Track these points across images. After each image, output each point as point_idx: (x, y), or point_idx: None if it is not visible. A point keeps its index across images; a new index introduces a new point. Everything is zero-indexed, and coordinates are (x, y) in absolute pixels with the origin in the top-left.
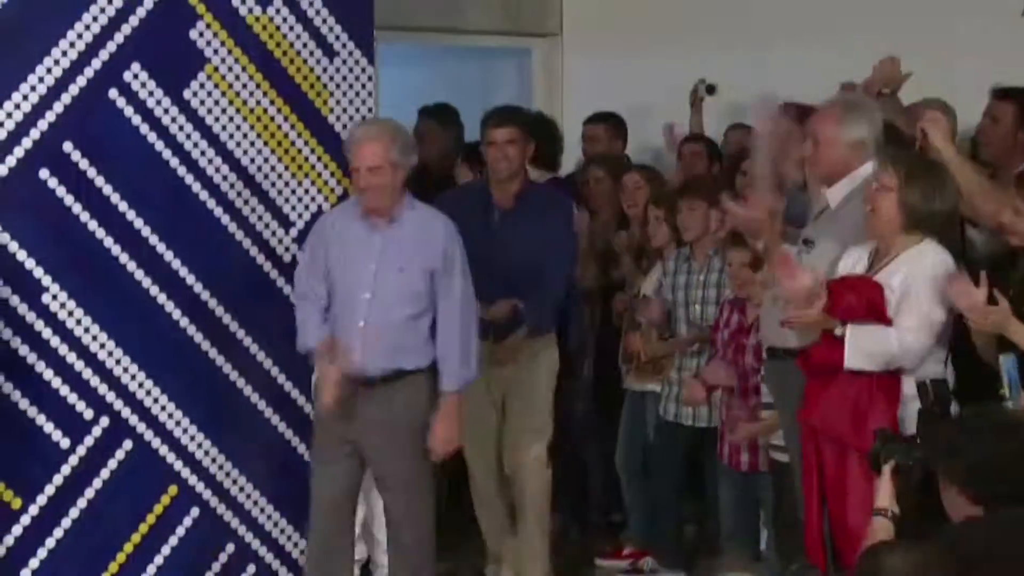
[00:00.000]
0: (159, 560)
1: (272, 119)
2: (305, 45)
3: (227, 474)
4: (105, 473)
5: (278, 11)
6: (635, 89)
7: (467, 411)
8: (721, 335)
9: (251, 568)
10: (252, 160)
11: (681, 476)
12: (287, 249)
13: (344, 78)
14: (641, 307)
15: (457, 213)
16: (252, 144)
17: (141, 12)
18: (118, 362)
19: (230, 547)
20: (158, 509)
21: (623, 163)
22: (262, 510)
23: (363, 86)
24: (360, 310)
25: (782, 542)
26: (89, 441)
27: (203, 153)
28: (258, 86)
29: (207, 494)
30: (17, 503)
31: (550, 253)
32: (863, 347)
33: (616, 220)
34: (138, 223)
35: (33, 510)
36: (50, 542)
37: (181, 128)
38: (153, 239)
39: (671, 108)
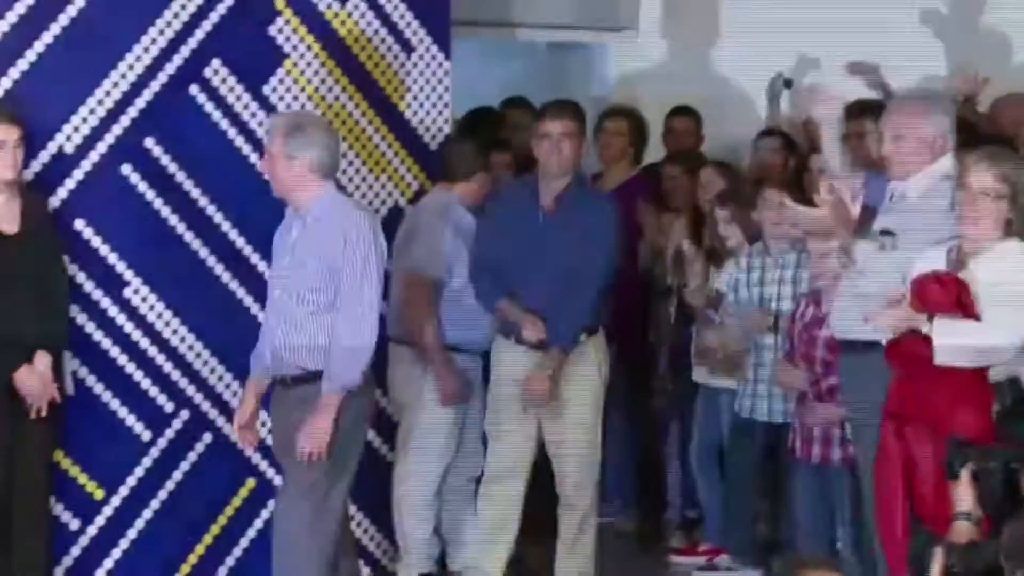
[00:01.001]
0: (237, 552)
1: (349, 115)
2: (383, 40)
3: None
4: (185, 465)
5: (356, 7)
6: (712, 83)
7: (500, 415)
8: (796, 327)
9: None
10: None
11: (757, 473)
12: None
13: (421, 73)
14: (747, 320)
15: (505, 212)
16: None
17: (221, 8)
18: (198, 356)
19: None
20: (236, 502)
21: (700, 158)
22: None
23: (439, 81)
24: (273, 309)
25: (857, 539)
26: (170, 434)
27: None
28: (336, 82)
29: None
30: (100, 494)
31: (582, 262)
32: (953, 342)
33: (694, 216)
34: (218, 218)
35: (115, 501)
36: (131, 533)
37: (261, 124)
38: (233, 234)
39: (747, 101)
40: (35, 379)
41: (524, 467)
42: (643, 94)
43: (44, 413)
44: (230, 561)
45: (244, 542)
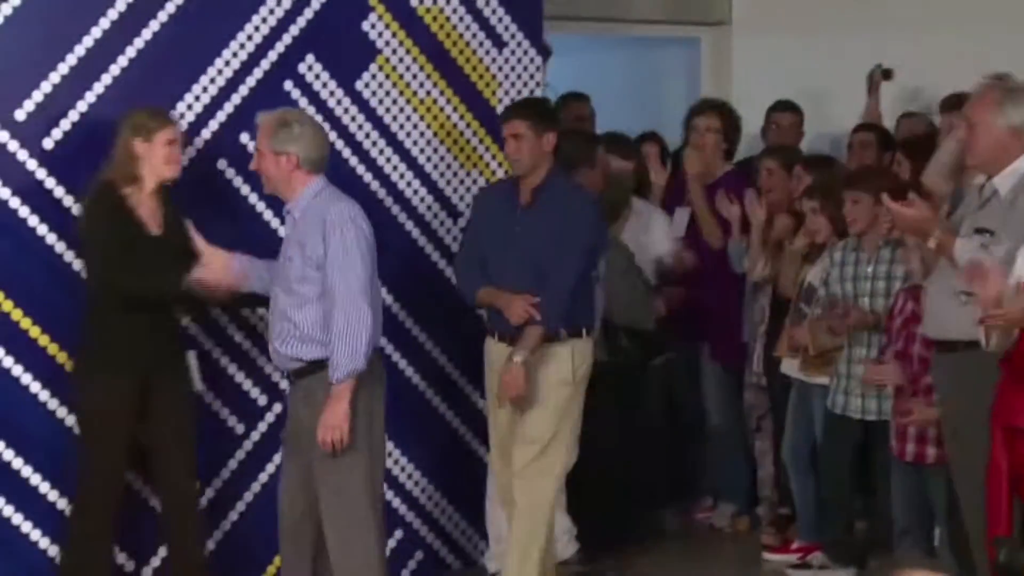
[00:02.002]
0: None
1: (441, 109)
2: (475, 36)
3: (395, 461)
4: (278, 458)
5: (448, 2)
6: (806, 76)
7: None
8: (895, 323)
9: (419, 554)
10: (422, 150)
11: (851, 470)
12: (455, 239)
13: (513, 68)
14: (839, 314)
15: (487, 207)
16: (422, 134)
17: (315, 5)
18: None
19: (398, 533)
20: None
21: (796, 153)
22: (430, 497)
23: (531, 76)
24: (273, 304)
25: (955, 539)
26: (263, 427)
27: (374, 143)
28: (428, 77)
29: None
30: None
31: (557, 252)
32: None
33: (791, 211)
34: None
35: (209, 493)
36: (225, 525)
37: (353, 119)
38: None
39: (844, 94)
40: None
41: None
42: (735, 89)
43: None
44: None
45: None
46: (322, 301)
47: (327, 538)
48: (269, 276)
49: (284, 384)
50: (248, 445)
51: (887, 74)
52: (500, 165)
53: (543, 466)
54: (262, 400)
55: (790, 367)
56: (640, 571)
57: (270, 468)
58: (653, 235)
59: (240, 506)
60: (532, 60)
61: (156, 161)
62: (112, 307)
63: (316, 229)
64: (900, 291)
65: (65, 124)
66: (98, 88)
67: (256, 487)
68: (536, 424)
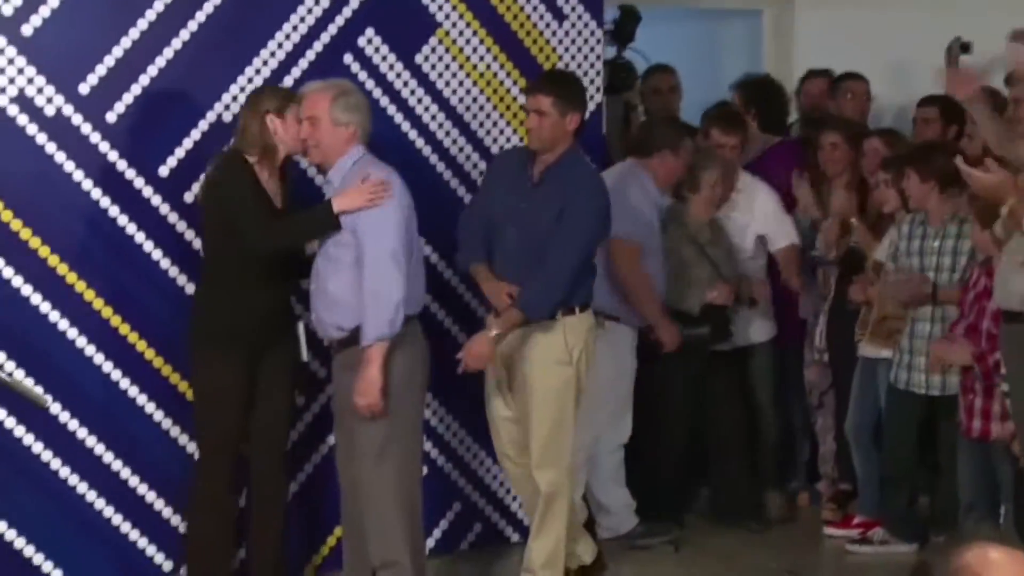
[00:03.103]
0: None
1: (501, 83)
2: (535, 8)
3: (454, 434)
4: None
5: None
6: (869, 49)
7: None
8: (968, 297)
9: (477, 527)
10: (481, 124)
11: (914, 446)
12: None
13: (573, 41)
14: (906, 282)
15: (500, 176)
16: (481, 107)
17: None
18: None
19: (457, 506)
20: None
21: (860, 127)
22: (488, 470)
23: (591, 49)
24: (314, 271)
25: (1021, 516)
26: (323, 399)
27: (434, 117)
28: (488, 50)
29: (435, 453)
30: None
31: (558, 237)
32: None
33: (854, 186)
34: None
35: None
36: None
37: (413, 92)
38: None
39: (907, 68)
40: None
41: (516, 442)
42: (797, 62)
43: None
44: None
45: None
46: (357, 266)
47: (362, 506)
48: None
49: None
50: (308, 418)
51: (965, 47)
52: None
53: (556, 450)
54: (321, 373)
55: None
56: (697, 544)
57: (330, 440)
58: (756, 212)
59: (301, 477)
60: (592, 33)
61: (290, 137)
62: (227, 281)
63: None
64: (975, 265)
65: (128, 98)
66: (160, 62)
67: (316, 459)
68: (538, 408)
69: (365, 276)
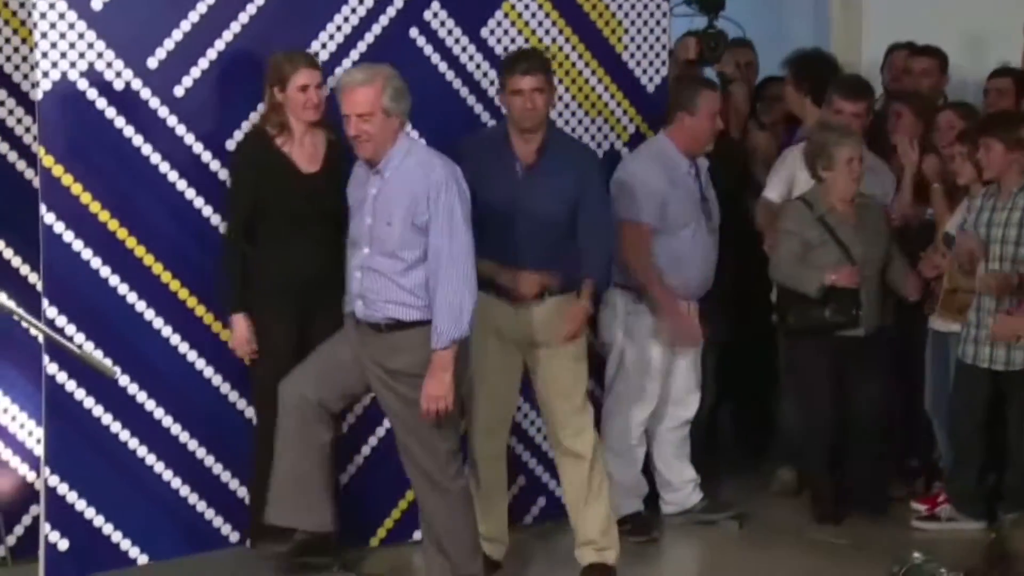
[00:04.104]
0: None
1: (567, 57)
2: None
3: (518, 408)
4: None
5: None
6: (943, 19)
7: (485, 368)
8: None
9: (541, 500)
10: None
11: (981, 422)
12: None
13: (639, 15)
14: (959, 239)
15: (478, 164)
16: None
17: None
18: None
19: (521, 479)
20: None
21: (930, 101)
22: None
23: (658, 22)
24: (359, 263)
25: None
26: None
27: (499, 91)
28: (554, 24)
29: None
30: None
31: (595, 207)
32: None
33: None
34: None
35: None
36: (351, 468)
37: (478, 66)
38: None
39: (985, 39)
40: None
41: (507, 422)
42: (865, 34)
43: None
44: None
45: None
46: (424, 264)
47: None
48: None
49: None
50: (366, 399)
51: None
52: (625, 113)
53: (587, 414)
54: None
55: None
56: (761, 519)
57: (387, 422)
58: (888, 190)
59: (365, 450)
60: (659, 7)
61: (295, 107)
62: (271, 240)
63: (419, 191)
64: None
65: (195, 72)
66: (227, 36)
67: (380, 432)
68: (574, 375)
69: (440, 277)
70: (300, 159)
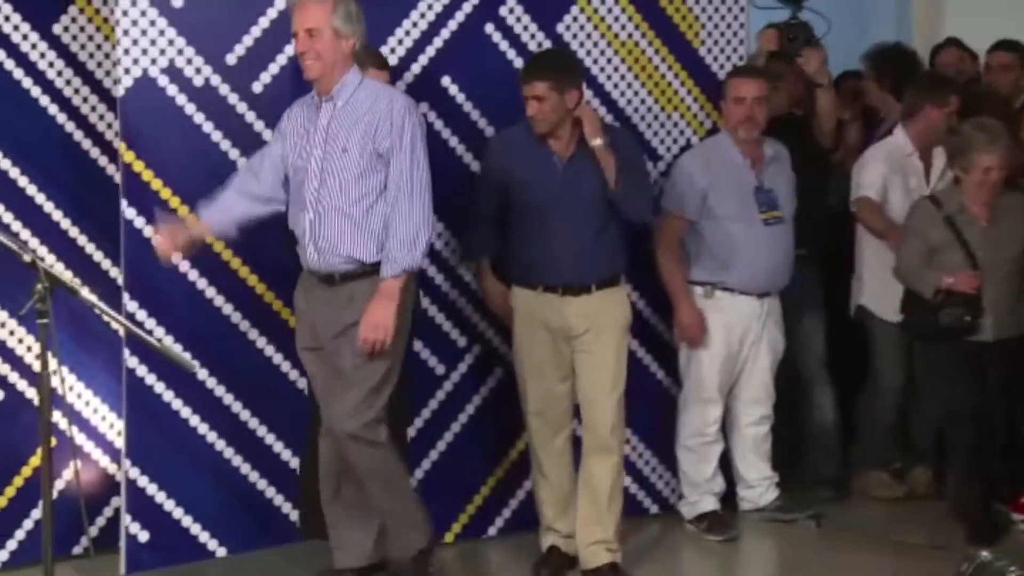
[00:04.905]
0: (528, 485)
1: (643, 52)
2: None
3: None
4: (477, 399)
5: None
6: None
7: (538, 363)
8: None
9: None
10: (622, 93)
11: None
12: (654, 183)
13: (716, 10)
14: None
15: (515, 160)
16: (623, 77)
17: None
18: None
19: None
20: (527, 436)
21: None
22: (626, 440)
23: (735, 17)
24: (309, 201)
25: None
26: (463, 368)
27: None
28: (630, 19)
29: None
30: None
31: (639, 169)
32: None
33: None
34: None
35: (410, 433)
36: (426, 463)
37: None
38: None
39: None
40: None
41: (567, 415)
42: (947, 28)
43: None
44: (520, 494)
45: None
46: (385, 195)
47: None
48: (244, 200)
49: (483, 326)
50: (448, 386)
51: None
52: (702, 108)
53: (622, 412)
54: (461, 341)
55: None
56: (842, 522)
57: (469, 409)
58: None
59: (440, 445)
60: (736, 1)
61: None
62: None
63: (381, 115)
64: None
65: (273, 68)
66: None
67: (456, 428)
68: (612, 374)
69: (399, 204)
70: None
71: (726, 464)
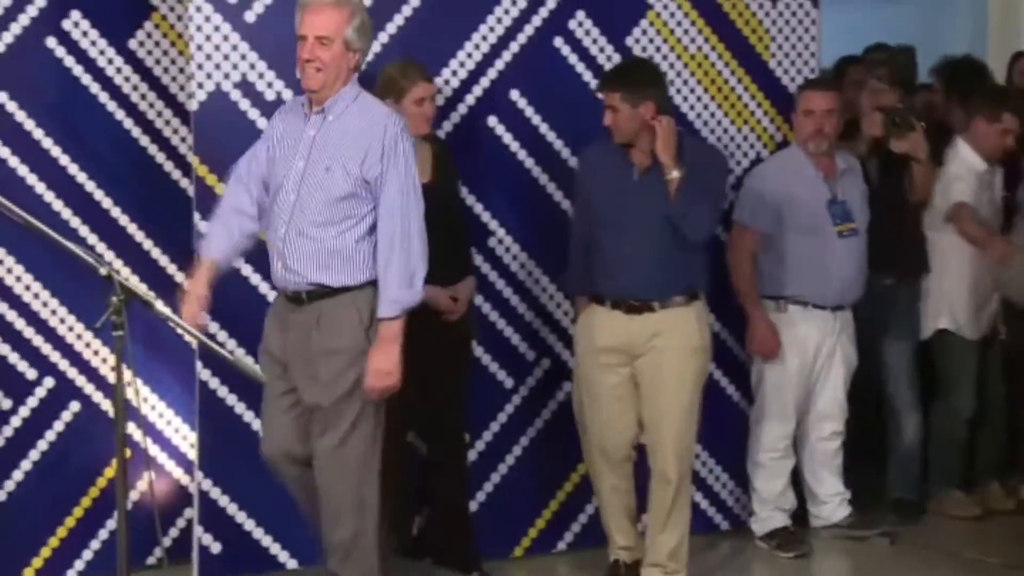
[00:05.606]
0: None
1: (712, 65)
2: None
3: None
4: (546, 413)
5: None
6: None
7: (600, 387)
8: None
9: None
10: (691, 107)
11: None
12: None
13: (787, 22)
14: None
15: (598, 169)
16: (692, 90)
17: None
18: (558, 305)
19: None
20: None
21: None
22: (696, 456)
23: (806, 30)
24: (283, 215)
25: None
26: (531, 382)
27: None
28: (699, 32)
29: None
30: (465, 437)
31: (703, 186)
32: None
33: None
34: (572, 162)
35: (480, 446)
36: (495, 477)
37: None
38: None
39: None
40: (441, 295)
41: (629, 443)
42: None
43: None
44: (589, 509)
45: None
46: (367, 221)
47: (326, 494)
48: (246, 229)
49: (552, 339)
50: (516, 400)
51: None
52: (772, 122)
53: (689, 439)
54: (530, 355)
55: None
56: (916, 539)
57: (538, 423)
58: None
59: (509, 459)
60: (807, 14)
61: (409, 119)
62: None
63: (373, 141)
64: None
65: None
66: (374, 47)
67: (524, 441)
68: (676, 396)
69: (398, 239)
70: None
71: (797, 481)
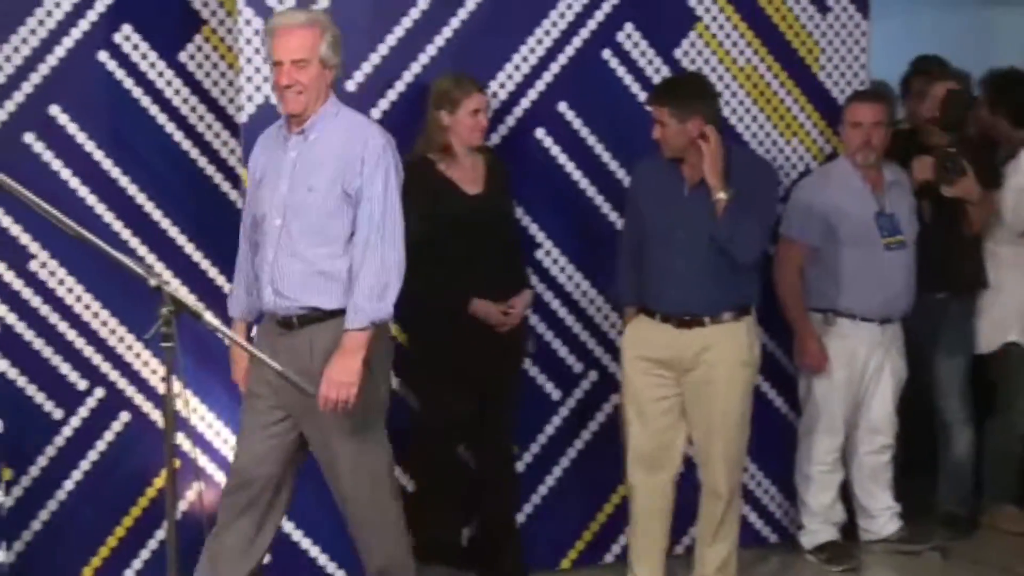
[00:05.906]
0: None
1: (761, 77)
2: (798, 1)
3: None
4: (593, 425)
5: None
6: None
7: (643, 398)
8: None
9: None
10: (740, 119)
11: None
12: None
13: (836, 34)
14: None
15: (649, 183)
16: (741, 103)
17: None
18: (606, 318)
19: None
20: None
21: None
22: (745, 469)
23: (856, 42)
24: (270, 240)
25: None
26: (578, 394)
27: None
28: (748, 44)
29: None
30: (513, 449)
31: (751, 206)
32: None
33: None
34: (620, 174)
35: (527, 458)
36: (542, 489)
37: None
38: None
39: None
40: (492, 308)
41: (674, 457)
42: None
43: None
44: None
45: None
46: (347, 240)
47: (352, 522)
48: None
49: (599, 351)
50: (564, 412)
51: None
52: (821, 134)
53: (739, 453)
54: (578, 367)
55: None
56: (968, 555)
57: (585, 435)
58: None
59: (556, 471)
60: (857, 25)
61: (462, 131)
62: (441, 275)
63: (352, 154)
64: None
65: (392, 94)
66: (423, 59)
67: (572, 453)
68: (726, 411)
69: (368, 251)
70: (464, 181)
71: (847, 494)
